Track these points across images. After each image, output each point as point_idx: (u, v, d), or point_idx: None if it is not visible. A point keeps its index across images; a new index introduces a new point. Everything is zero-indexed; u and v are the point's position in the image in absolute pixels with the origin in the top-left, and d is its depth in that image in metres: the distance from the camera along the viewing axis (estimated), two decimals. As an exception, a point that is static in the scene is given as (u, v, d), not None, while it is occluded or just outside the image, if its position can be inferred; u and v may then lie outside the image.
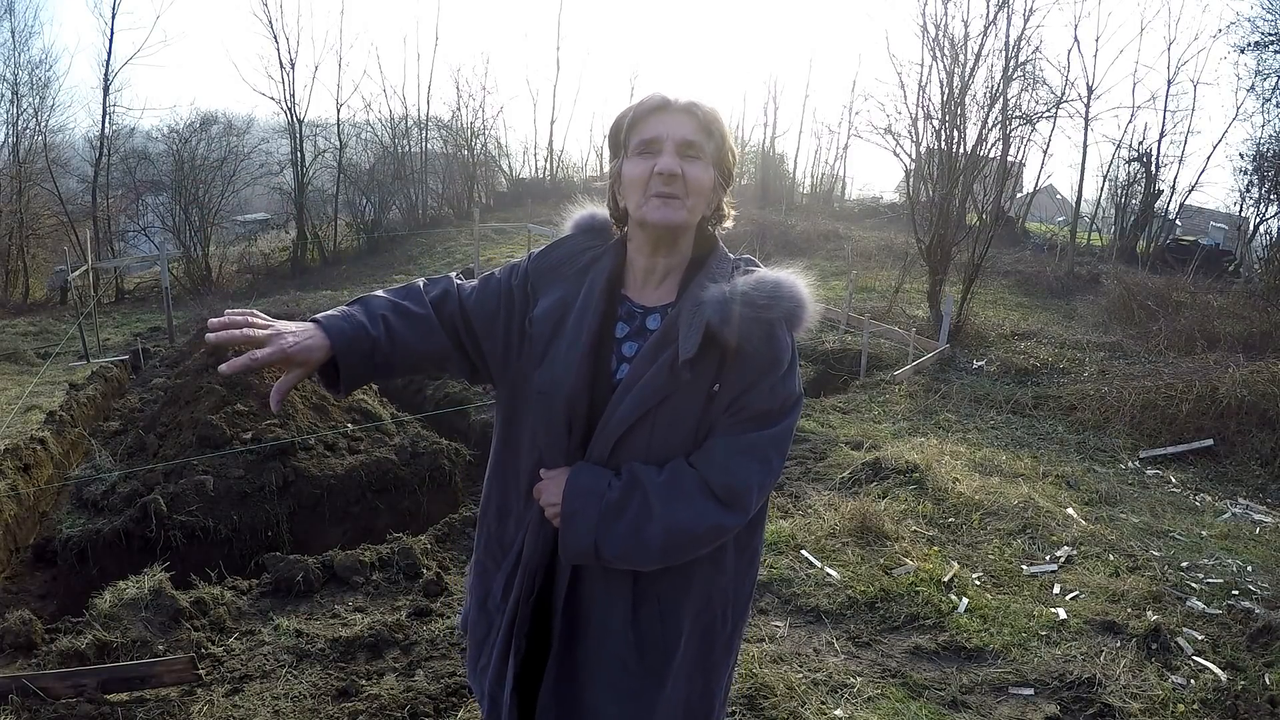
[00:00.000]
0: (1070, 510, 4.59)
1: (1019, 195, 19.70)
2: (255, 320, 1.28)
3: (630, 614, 1.42)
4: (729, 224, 1.48)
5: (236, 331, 1.25)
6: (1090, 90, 17.01)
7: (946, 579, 3.60)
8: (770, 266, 1.44)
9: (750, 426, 1.36)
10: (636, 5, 54.69)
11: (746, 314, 1.32)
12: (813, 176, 27.80)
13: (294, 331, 1.29)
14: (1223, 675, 2.96)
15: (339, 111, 20.39)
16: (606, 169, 1.51)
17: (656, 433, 1.36)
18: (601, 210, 1.55)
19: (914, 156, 10.86)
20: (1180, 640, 3.19)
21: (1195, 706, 2.77)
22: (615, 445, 1.38)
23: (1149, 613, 3.37)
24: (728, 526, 1.35)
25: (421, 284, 1.52)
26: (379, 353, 1.38)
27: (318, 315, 1.36)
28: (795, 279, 1.39)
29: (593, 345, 1.40)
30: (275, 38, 18.74)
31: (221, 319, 1.26)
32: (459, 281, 1.55)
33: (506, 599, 1.48)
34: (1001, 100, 10.14)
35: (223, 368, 1.23)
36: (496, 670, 1.49)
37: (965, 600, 3.43)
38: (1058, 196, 27.80)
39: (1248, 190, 17.05)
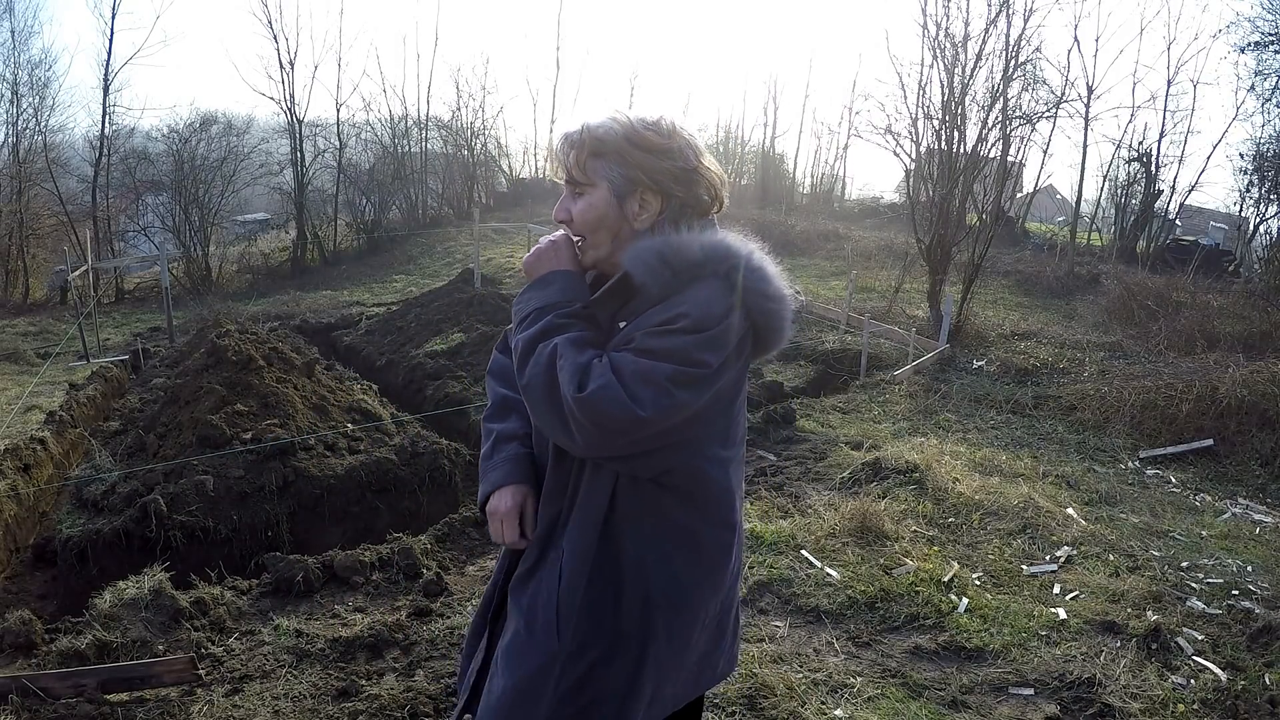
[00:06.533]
0: (1070, 510, 4.59)
1: (1019, 195, 19.66)
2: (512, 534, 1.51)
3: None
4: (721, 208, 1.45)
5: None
6: (1090, 90, 16.99)
7: (946, 579, 3.61)
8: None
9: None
10: (636, 5, 54.66)
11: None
12: (813, 176, 27.74)
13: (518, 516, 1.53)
14: (1223, 675, 2.96)
15: (339, 111, 20.40)
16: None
17: None
18: None
19: (914, 156, 10.83)
20: (1180, 640, 3.18)
21: (1195, 706, 2.77)
22: None
23: (1149, 613, 3.37)
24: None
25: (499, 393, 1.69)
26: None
27: (494, 477, 1.57)
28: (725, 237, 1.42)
29: None
30: (275, 38, 18.74)
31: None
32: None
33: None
34: (1002, 100, 10.11)
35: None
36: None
37: (965, 600, 3.43)
38: (1058, 196, 27.78)
39: (1248, 190, 17.06)
